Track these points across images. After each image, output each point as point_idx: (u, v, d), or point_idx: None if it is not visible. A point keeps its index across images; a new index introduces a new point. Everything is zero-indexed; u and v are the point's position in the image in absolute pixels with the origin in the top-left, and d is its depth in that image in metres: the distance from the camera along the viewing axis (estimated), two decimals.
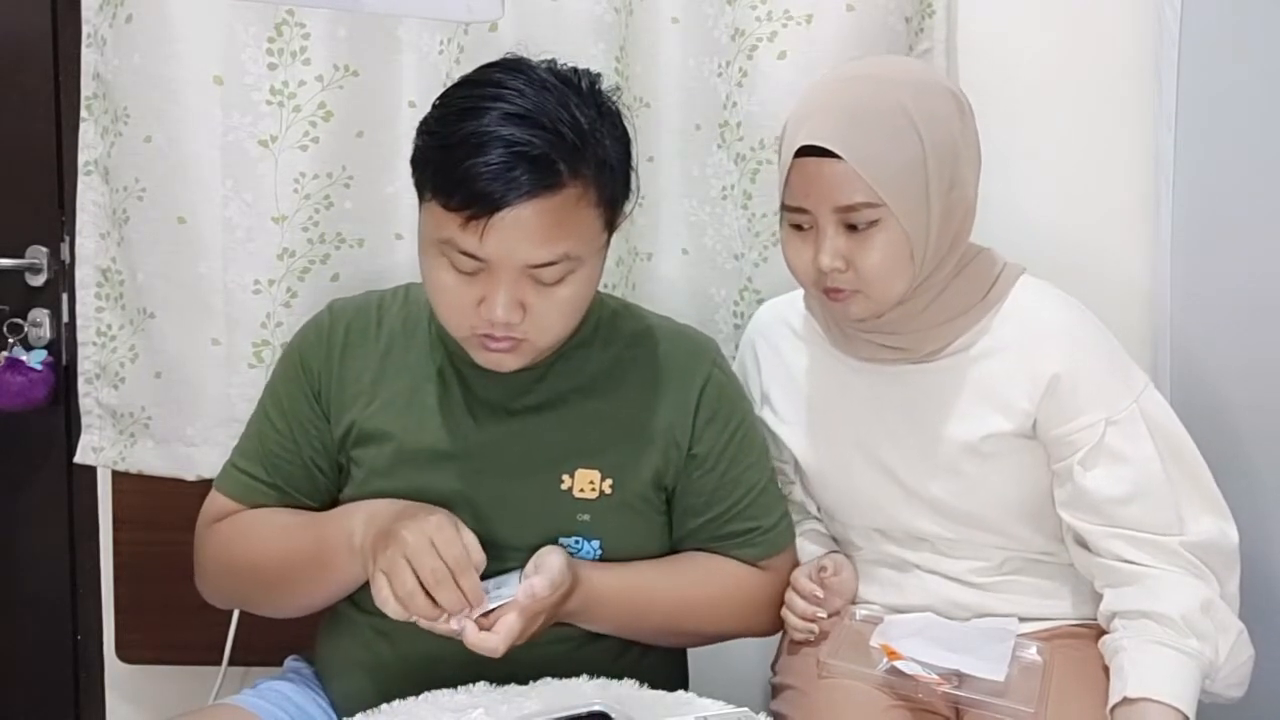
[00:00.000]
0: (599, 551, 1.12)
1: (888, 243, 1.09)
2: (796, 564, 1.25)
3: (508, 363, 1.07)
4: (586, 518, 1.11)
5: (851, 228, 1.09)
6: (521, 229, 0.98)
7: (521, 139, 0.97)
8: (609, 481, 1.12)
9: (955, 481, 1.17)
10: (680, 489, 1.16)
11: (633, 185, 1.09)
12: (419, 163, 1.04)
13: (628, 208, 1.10)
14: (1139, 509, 1.11)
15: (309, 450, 1.17)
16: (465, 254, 1.00)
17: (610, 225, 1.08)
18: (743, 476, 1.18)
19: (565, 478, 1.11)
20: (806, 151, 1.08)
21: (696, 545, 1.18)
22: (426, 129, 1.04)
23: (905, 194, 1.07)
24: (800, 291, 1.31)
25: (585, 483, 1.11)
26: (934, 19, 1.46)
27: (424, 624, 0.98)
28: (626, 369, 1.16)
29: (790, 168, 1.11)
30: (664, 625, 1.16)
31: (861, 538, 1.27)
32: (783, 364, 1.29)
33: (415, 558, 0.97)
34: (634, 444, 1.14)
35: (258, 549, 1.14)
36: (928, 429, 1.18)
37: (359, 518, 1.08)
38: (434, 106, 1.05)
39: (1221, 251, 1.38)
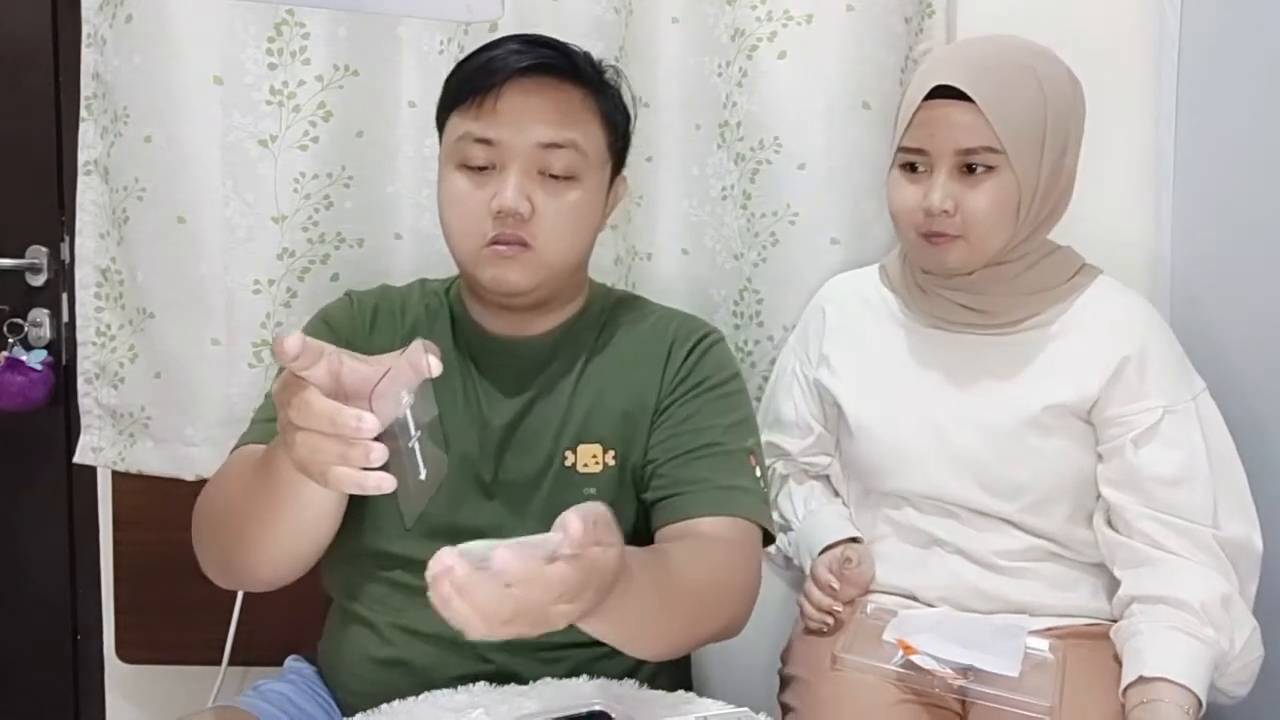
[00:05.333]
0: None
1: (998, 188, 1.15)
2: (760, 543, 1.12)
3: (512, 275, 1.08)
4: (593, 491, 1.11)
5: (967, 171, 1.15)
6: (530, 104, 1.06)
7: (533, 38, 1.11)
8: (611, 454, 1.13)
9: (1006, 450, 1.20)
10: (649, 444, 1.14)
11: (632, 131, 1.17)
12: (439, 102, 1.13)
13: (627, 159, 1.18)
14: (1181, 493, 1.14)
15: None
16: (480, 141, 1.07)
17: (613, 153, 1.14)
18: (705, 430, 1.12)
19: (568, 454, 1.12)
20: (936, 95, 1.15)
21: (650, 500, 1.11)
22: (449, 74, 1.13)
23: (1024, 145, 1.14)
24: (871, 269, 1.36)
25: (588, 457, 1.12)
26: (934, 19, 1.46)
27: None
28: (627, 346, 1.18)
29: (916, 110, 1.17)
30: (674, 611, 0.97)
31: (891, 508, 1.28)
32: (850, 327, 1.33)
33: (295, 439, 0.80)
34: (633, 415, 1.14)
35: (230, 487, 1.02)
36: (990, 396, 1.21)
37: None
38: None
39: (1222, 251, 1.38)
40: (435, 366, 0.79)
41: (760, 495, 1.12)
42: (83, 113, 1.49)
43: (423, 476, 0.78)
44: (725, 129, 1.48)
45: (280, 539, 0.98)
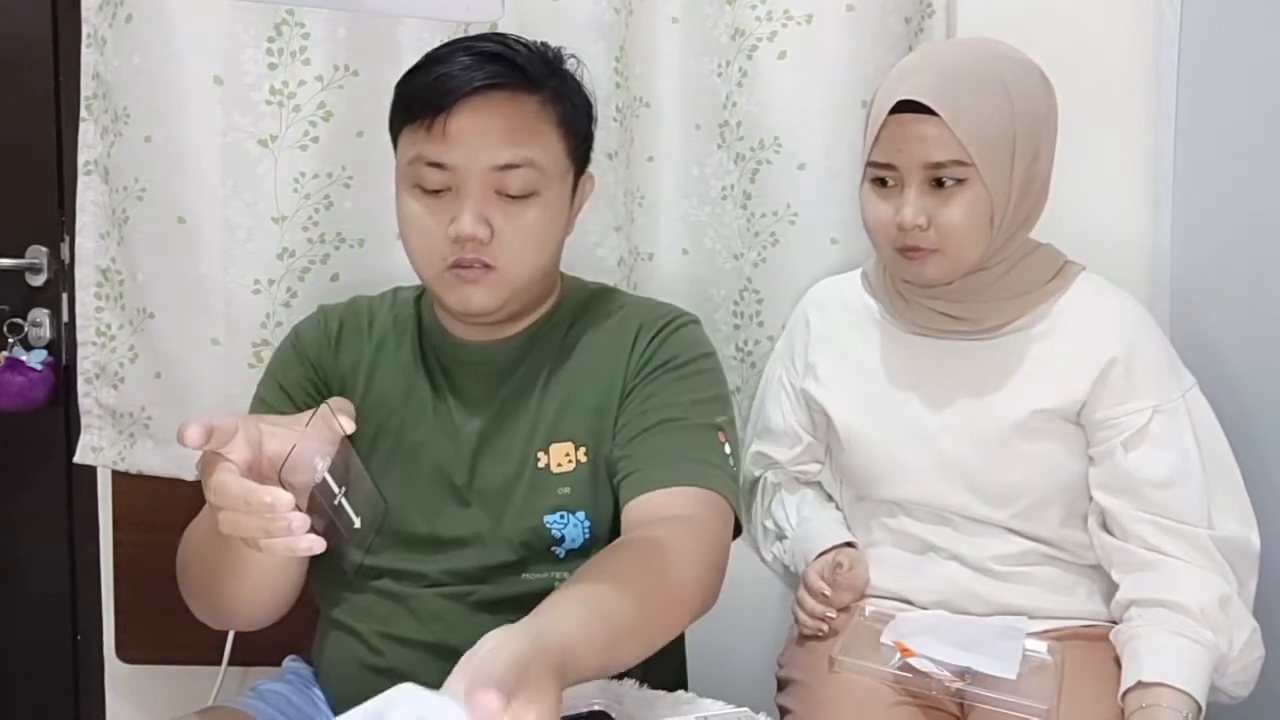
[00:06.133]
0: (586, 523, 1.10)
1: (971, 202, 1.13)
2: (727, 518, 1.07)
3: (477, 297, 1.07)
4: (567, 491, 1.10)
5: (937, 185, 1.13)
6: (483, 125, 1.03)
7: (483, 50, 1.06)
8: (583, 450, 1.12)
9: (996, 455, 1.19)
10: (616, 431, 1.11)
11: (594, 128, 1.15)
12: (390, 115, 1.10)
13: (594, 154, 1.16)
14: (1174, 495, 1.14)
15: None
16: (433, 165, 1.04)
17: (574, 158, 1.11)
18: (666, 407, 1.09)
19: (540, 455, 1.11)
20: (901, 109, 1.13)
21: (618, 482, 1.09)
22: (398, 83, 1.10)
23: (994, 156, 1.12)
24: (855, 273, 1.35)
25: (561, 456, 1.11)
26: (934, 19, 1.46)
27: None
28: (595, 341, 1.16)
29: (883, 124, 1.15)
30: (653, 629, 0.94)
31: (886, 515, 1.28)
32: (835, 335, 1.32)
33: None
34: (602, 409, 1.13)
35: (192, 542, 1.07)
36: (977, 402, 1.20)
37: None
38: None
39: (1222, 251, 1.38)
40: (348, 425, 0.84)
41: (727, 472, 1.07)
42: (83, 113, 1.49)
43: (357, 525, 0.81)
44: (725, 129, 1.48)
45: (249, 586, 1.03)
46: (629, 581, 0.92)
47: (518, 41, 1.09)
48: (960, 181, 1.12)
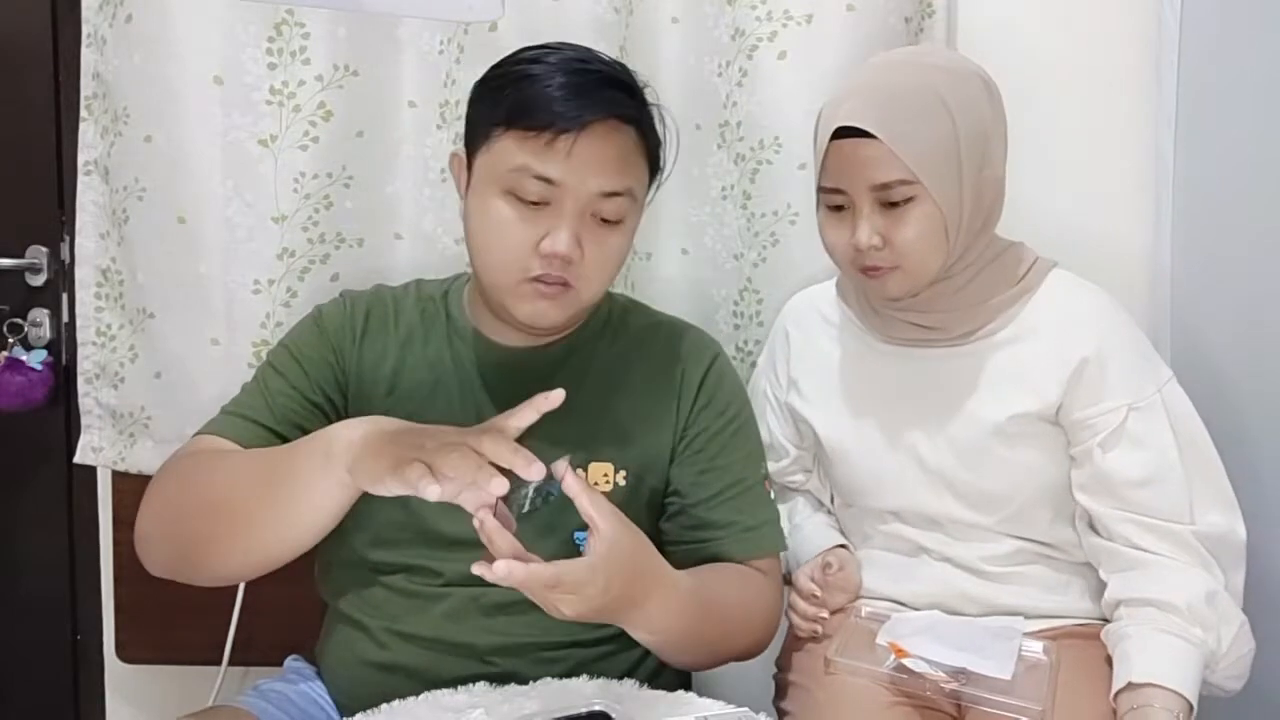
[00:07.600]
0: None
1: (923, 218, 1.12)
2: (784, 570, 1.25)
3: (551, 313, 1.09)
4: None
5: (889, 205, 1.13)
6: (599, 152, 1.04)
7: (591, 68, 1.07)
8: (622, 474, 1.13)
9: (978, 462, 1.19)
10: (671, 474, 1.16)
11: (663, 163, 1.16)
12: (486, 107, 1.08)
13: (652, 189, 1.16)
14: (1154, 494, 1.13)
15: (319, 394, 1.13)
16: (539, 179, 1.04)
17: (651, 189, 1.14)
18: (731, 467, 1.17)
19: (579, 472, 1.10)
20: (843, 134, 1.12)
21: (676, 537, 1.16)
22: (487, 81, 1.10)
23: (938, 171, 1.11)
24: (830, 283, 1.35)
25: (599, 476, 1.12)
26: (934, 19, 1.46)
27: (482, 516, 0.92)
28: (634, 363, 1.18)
29: (827, 150, 1.15)
30: (715, 629, 1.08)
31: (877, 520, 1.28)
32: (814, 349, 1.32)
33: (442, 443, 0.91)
34: (644, 436, 1.15)
35: (217, 476, 1.03)
36: (955, 410, 1.20)
37: (352, 429, 0.98)
38: (489, 70, 1.12)
39: (1222, 251, 1.38)
40: (570, 481, 0.94)
41: (777, 520, 1.19)
42: (83, 113, 1.49)
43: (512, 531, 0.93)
44: (725, 129, 1.48)
45: (277, 536, 1.01)
46: (714, 594, 1.07)
47: (611, 60, 1.11)
48: (910, 199, 1.12)
